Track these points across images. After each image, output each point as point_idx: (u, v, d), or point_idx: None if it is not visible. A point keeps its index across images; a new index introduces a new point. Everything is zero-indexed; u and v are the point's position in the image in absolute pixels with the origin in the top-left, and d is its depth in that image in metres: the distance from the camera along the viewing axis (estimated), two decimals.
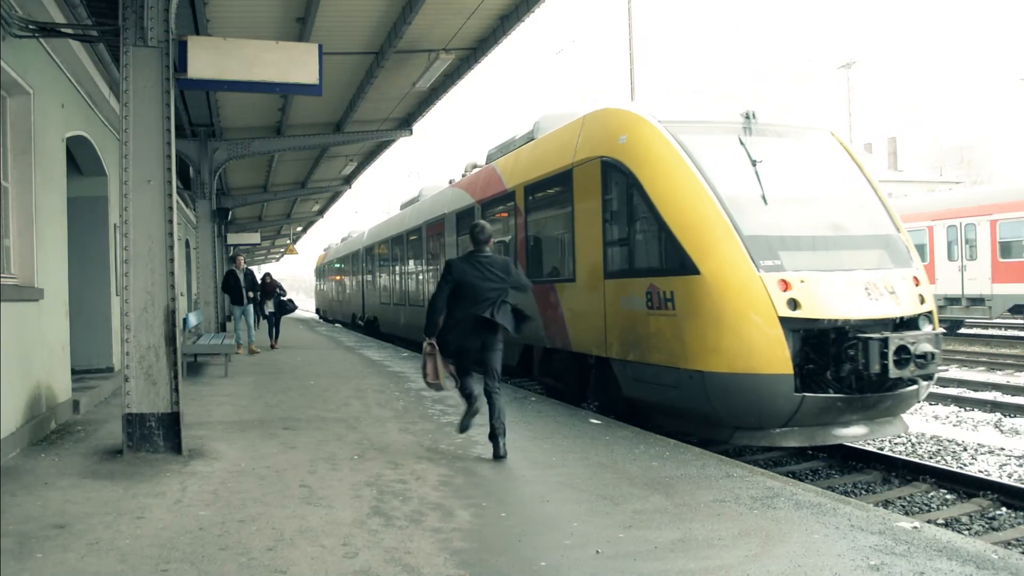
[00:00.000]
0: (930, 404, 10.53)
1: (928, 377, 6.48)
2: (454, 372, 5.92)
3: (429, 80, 12.46)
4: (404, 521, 4.15)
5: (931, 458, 7.66)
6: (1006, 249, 18.37)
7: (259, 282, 16.86)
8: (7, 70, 5.80)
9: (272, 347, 15.77)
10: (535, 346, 9.49)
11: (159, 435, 5.77)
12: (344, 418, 7.42)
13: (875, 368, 5.92)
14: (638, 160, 7.07)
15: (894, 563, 3.52)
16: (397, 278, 17.91)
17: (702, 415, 6.63)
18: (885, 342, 5.94)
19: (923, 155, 76.42)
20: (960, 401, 10.52)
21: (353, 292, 25.05)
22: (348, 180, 24.31)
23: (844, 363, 6.08)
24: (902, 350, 5.99)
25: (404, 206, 19.02)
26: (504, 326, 5.67)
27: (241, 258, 15.40)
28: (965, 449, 7.95)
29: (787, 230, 6.57)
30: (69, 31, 6.64)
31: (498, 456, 5.64)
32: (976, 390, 11.45)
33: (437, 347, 5.80)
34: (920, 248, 20.49)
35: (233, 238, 28.03)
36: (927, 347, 6.12)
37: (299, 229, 42.63)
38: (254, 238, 30.68)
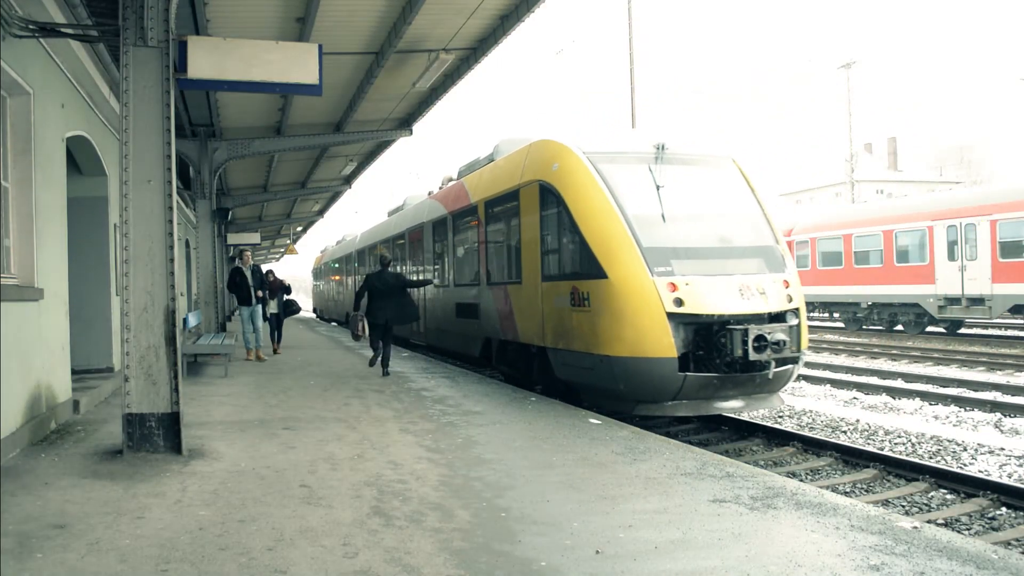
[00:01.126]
0: (930, 404, 10.53)
1: (793, 360, 7.86)
2: (367, 333, 11.25)
3: (429, 80, 12.46)
4: (404, 521, 4.16)
5: (931, 458, 7.66)
6: (1006, 249, 18.38)
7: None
8: (7, 70, 5.81)
9: (274, 351, 14.59)
10: (493, 338, 10.98)
11: (159, 435, 5.77)
12: (344, 418, 7.42)
13: (738, 353, 7.28)
14: (564, 184, 8.58)
15: (894, 563, 3.52)
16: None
17: (611, 391, 8.03)
18: (746, 332, 7.30)
19: (923, 155, 76.43)
20: (960, 401, 10.52)
21: (347, 292, 26.27)
22: (348, 180, 24.32)
23: (717, 349, 7.45)
24: (760, 338, 7.34)
25: (391, 213, 20.74)
26: (390, 318, 10.74)
27: (248, 254, 13.97)
28: (965, 449, 7.95)
29: (679, 242, 7.99)
30: (69, 31, 6.64)
31: (385, 374, 10.73)
32: (976, 390, 11.45)
33: (364, 317, 11.01)
34: (920, 248, 20.53)
35: (233, 238, 28.05)
36: (781, 336, 7.44)
37: (299, 229, 42.65)
38: (254, 238, 30.67)
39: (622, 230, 7.87)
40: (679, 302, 7.47)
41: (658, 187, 8.35)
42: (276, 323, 15.22)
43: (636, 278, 7.61)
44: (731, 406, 7.90)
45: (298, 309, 16.76)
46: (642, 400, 7.80)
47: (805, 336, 8.11)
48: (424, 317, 14.36)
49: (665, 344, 7.38)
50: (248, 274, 13.13)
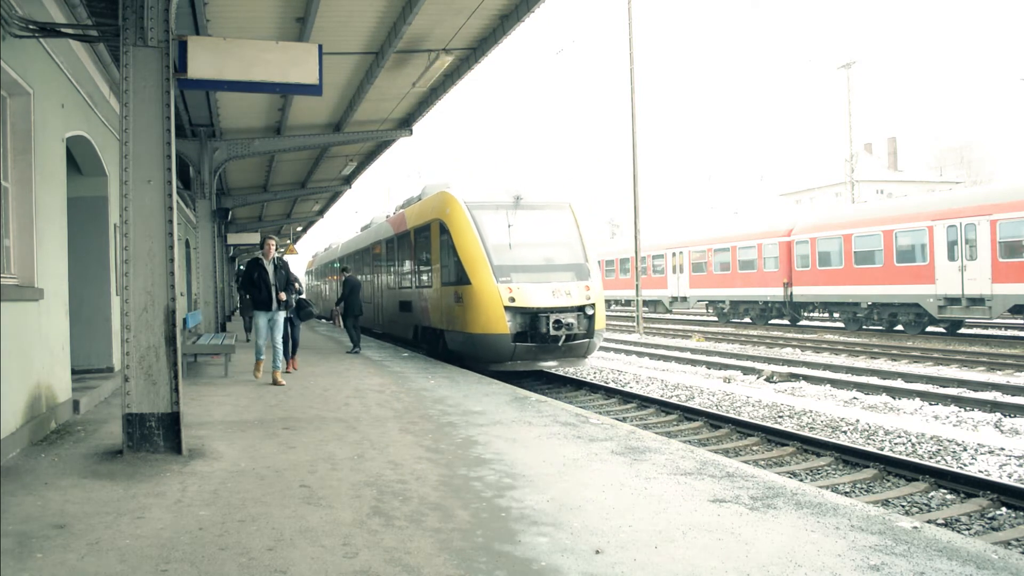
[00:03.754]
0: (930, 404, 10.54)
1: (585, 336, 12.14)
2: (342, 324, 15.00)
3: (429, 80, 12.47)
4: (404, 521, 4.16)
5: (931, 458, 7.66)
6: (1006, 249, 18.37)
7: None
8: (7, 70, 5.80)
9: (287, 369, 11.26)
10: (418, 325, 15.65)
11: (159, 435, 5.77)
12: (344, 418, 7.42)
13: (543, 331, 11.77)
14: (451, 222, 13.01)
15: (894, 563, 3.52)
16: (381, 279, 23.71)
17: (475, 355, 12.51)
18: (548, 318, 11.75)
19: (923, 155, 76.40)
20: (960, 401, 10.52)
21: (332, 292, 30.58)
22: (348, 180, 24.32)
23: (535, 328, 11.85)
24: (557, 322, 11.77)
25: (362, 229, 25.63)
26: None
27: (272, 243, 10.44)
28: (965, 449, 7.95)
29: (516, 262, 12.34)
30: (69, 31, 6.64)
31: (356, 353, 14.18)
32: (976, 390, 11.45)
33: (341, 313, 15.00)
34: (920, 248, 20.53)
35: (233, 238, 28.07)
36: (571, 320, 11.86)
37: (299, 229, 42.67)
38: (254, 238, 30.68)
39: (482, 254, 12.23)
40: (512, 300, 11.85)
41: (509, 225, 12.76)
42: (289, 329, 11.47)
43: (488, 285, 11.96)
44: (548, 365, 12.49)
45: (312, 312, 12.61)
46: (492, 361, 12.17)
47: (600, 321, 12.41)
48: (381, 312, 19.45)
49: (504, 326, 11.78)
50: (271, 270, 10.08)
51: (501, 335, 11.73)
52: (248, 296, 10.72)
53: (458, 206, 12.84)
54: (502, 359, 11.98)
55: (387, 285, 18.78)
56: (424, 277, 15.11)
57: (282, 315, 10.23)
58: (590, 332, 12.17)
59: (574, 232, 13.12)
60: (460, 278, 12.48)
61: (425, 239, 14.70)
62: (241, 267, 44.78)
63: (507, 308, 11.72)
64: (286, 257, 22.13)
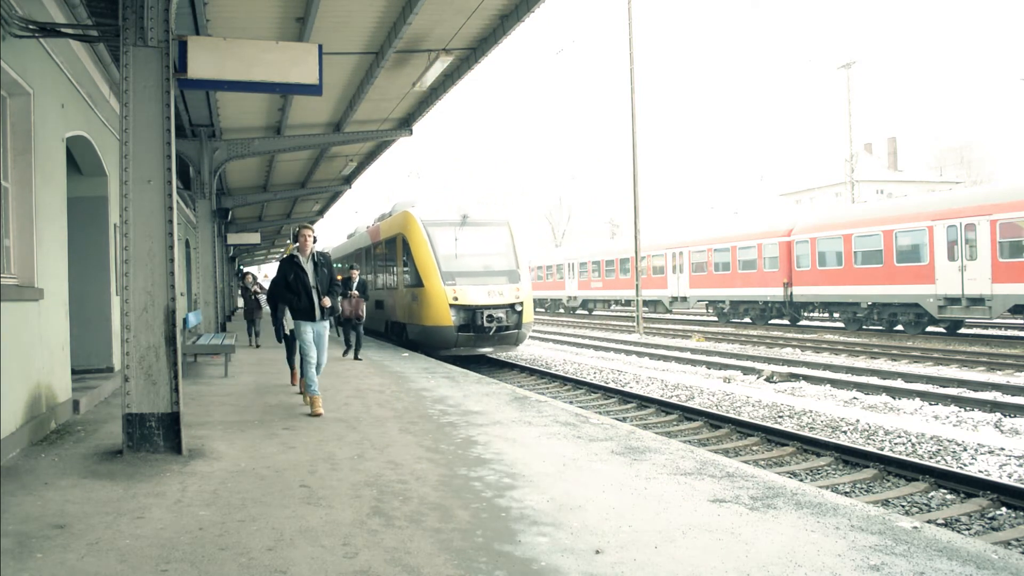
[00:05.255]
0: (930, 404, 10.53)
1: (512, 328, 15.53)
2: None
3: (429, 80, 12.46)
4: (404, 521, 4.16)
5: (931, 458, 7.66)
6: (1006, 249, 18.37)
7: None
8: (7, 70, 5.80)
9: (302, 391, 8.70)
10: (388, 320, 19.14)
11: (159, 435, 5.77)
12: (344, 418, 7.42)
13: (480, 323, 15.12)
14: (409, 237, 16.50)
15: (894, 563, 3.52)
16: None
17: (428, 344, 15.66)
18: (483, 312, 15.14)
19: (923, 155, 76.42)
20: (960, 401, 10.52)
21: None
22: (348, 180, 24.31)
23: (474, 322, 15.14)
24: (489, 316, 15.10)
25: (349, 236, 30.16)
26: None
27: (309, 233, 7.93)
28: (965, 449, 7.95)
29: (460, 269, 15.71)
30: (69, 31, 6.64)
31: (356, 359, 13.43)
32: (976, 390, 11.44)
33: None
34: (920, 248, 20.54)
35: (233, 238, 28.05)
36: (500, 315, 15.20)
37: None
38: (254, 238, 30.70)
39: (433, 262, 15.66)
40: (456, 298, 15.20)
41: (456, 239, 16.16)
42: (291, 343, 9.48)
43: (437, 287, 15.35)
44: (485, 350, 15.83)
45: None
46: (441, 347, 15.41)
47: (528, 316, 15.85)
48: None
49: (449, 319, 15.12)
50: (310, 269, 7.80)
51: (447, 327, 15.18)
52: (278, 304, 8.40)
53: (416, 223, 16.37)
54: (448, 346, 15.37)
55: (372, 284, 22.67)
56: (392, 280, 18.68)
57: (327, 326, 8.08)
58: (519, 325, 15.74)
59: (509, 245, 16.67)
60: (417, 281, 15.94)
61: (392, 249, 18.32)
62: (241, 267, 44.70)
63: (452, 305, 15.15)
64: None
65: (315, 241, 8.02)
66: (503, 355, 17.82)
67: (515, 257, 16.39)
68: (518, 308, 15.54)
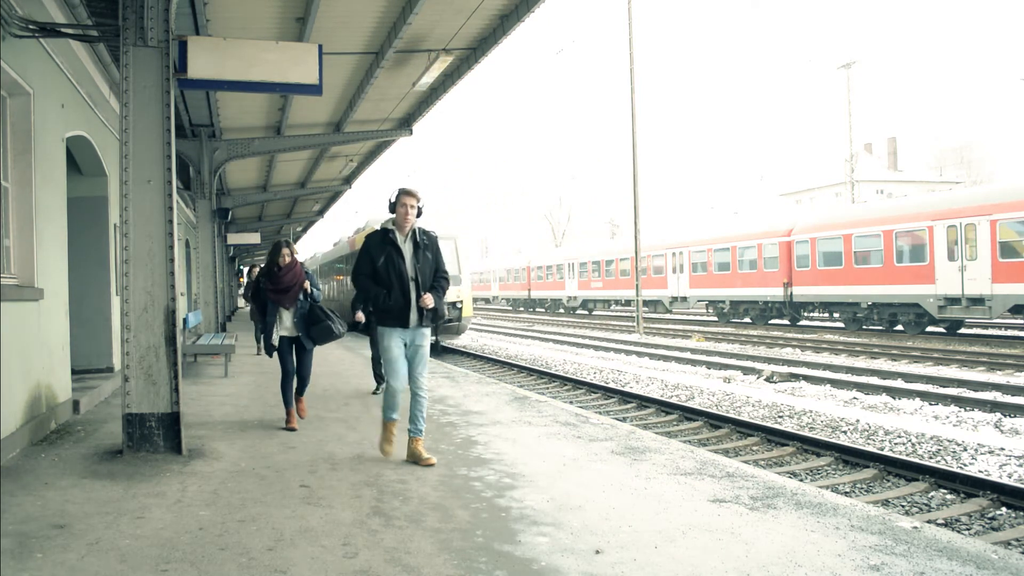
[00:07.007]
0: (930, 404, 10.53)
1: (453, 321, 19.69)
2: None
3: (429, 80, 12.46)
4: (404, 521, 4.16)
5: (931, 458, 7.66)
6: (1006, 249, 18.37)
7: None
8: (7, 70, 5.80)
9: (293, 414, 7.19)
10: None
11: (159, 435, 5.78)
12: (344, 418, 7.42)
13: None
14: None
15: (894, 563, 3.52)
16: (333, 285, 30.88)
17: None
18: (453, 307, 19.79)
19: (923, 155, 76.45)
20: (960, 401, 10.52)
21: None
22: (348, 180, 24.32)
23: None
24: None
25: (335, 244, 32.43)
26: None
27: (412, 201, 5.56)
28: (965, 449, 7.95)
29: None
30: (69, 31, 6.64)
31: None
32: (976, 390, 11.44)
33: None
34: (920, 248, 20.55)
35: (233, 238, 28.04)
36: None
37: (299, 229, 42.66)
38: (254, 238, 30.68)
39: None
40: None
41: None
42: (297, 355, 7.29)
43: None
44: (434, 339, 16.95)
45: (333, 330, 7.20)
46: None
47: (467, 311, 20.09)
48: (342, 309, 24.52)
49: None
50: (408, 252, 5.57)
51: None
52: (268, 306, 6.90)
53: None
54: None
55: (345, 288, 25.22)
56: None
57: (427, 336, 5.68)
58: (459, 318, 19.78)
59: (455, 255, 19.88)
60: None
61: None
62: (241, 267, 44.50)
63: None
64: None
65: (419, 214, 5.62)
66: (503, 356, 19.57)
67: (459, 265, 19.81)
68: (459, 305, 19.59)
